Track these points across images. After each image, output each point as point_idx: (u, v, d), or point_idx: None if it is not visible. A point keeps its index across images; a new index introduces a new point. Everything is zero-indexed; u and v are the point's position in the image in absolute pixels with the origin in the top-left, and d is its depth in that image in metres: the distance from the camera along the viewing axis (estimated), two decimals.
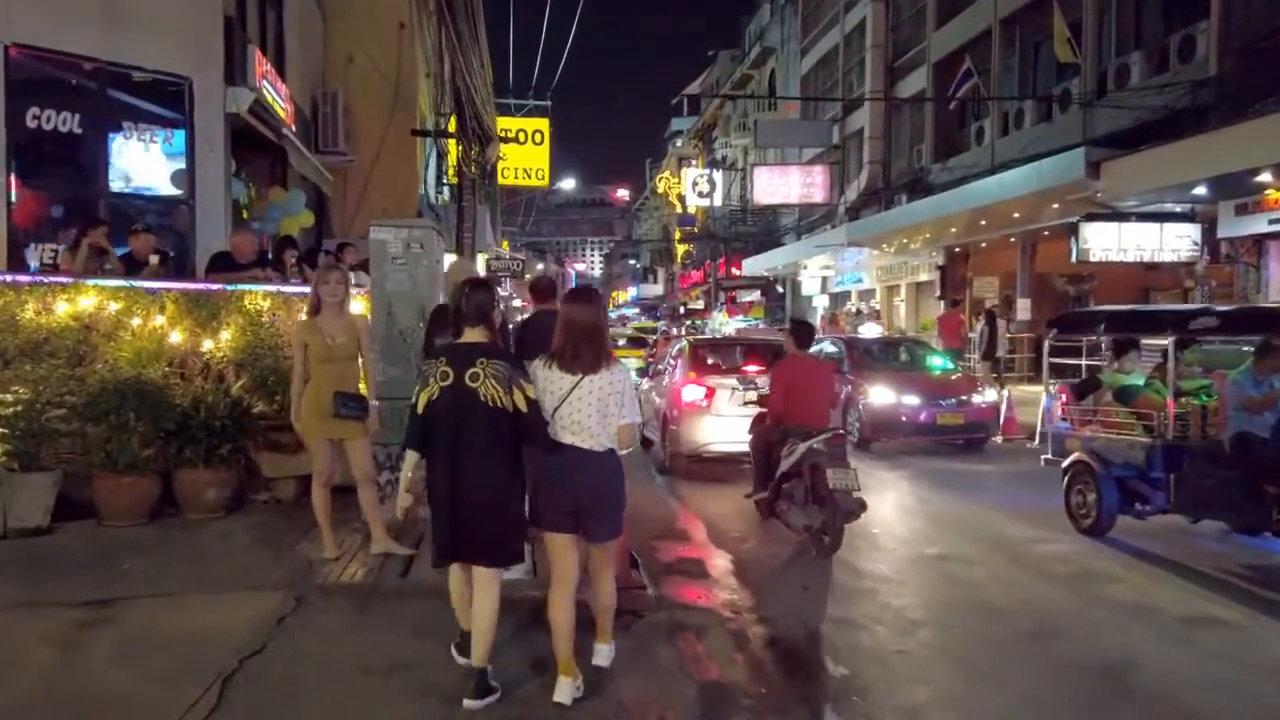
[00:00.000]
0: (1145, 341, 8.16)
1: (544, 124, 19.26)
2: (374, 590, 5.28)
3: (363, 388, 5.95)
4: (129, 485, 6.56)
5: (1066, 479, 7.59)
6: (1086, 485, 7.37)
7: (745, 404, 8.61)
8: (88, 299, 6.99)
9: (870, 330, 18.55)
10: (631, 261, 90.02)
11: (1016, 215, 17.76)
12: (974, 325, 19.83)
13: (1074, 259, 15.59)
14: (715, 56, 53.15)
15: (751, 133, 39.10)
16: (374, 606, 5.00)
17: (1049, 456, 8.07)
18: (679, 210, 52.07)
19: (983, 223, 19.18)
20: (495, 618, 3.87)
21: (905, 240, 23.32)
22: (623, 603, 4.82)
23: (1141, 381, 7.64)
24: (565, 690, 3.89)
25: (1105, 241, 15.51)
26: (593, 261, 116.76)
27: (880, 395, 12.08)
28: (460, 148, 12.14)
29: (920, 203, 21.43)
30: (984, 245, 21.76)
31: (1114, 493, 7.16)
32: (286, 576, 5.43)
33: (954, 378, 13.11)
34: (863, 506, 6.72)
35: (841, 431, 7.37)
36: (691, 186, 43.66)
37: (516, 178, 19.24)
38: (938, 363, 13.72)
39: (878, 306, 28.34)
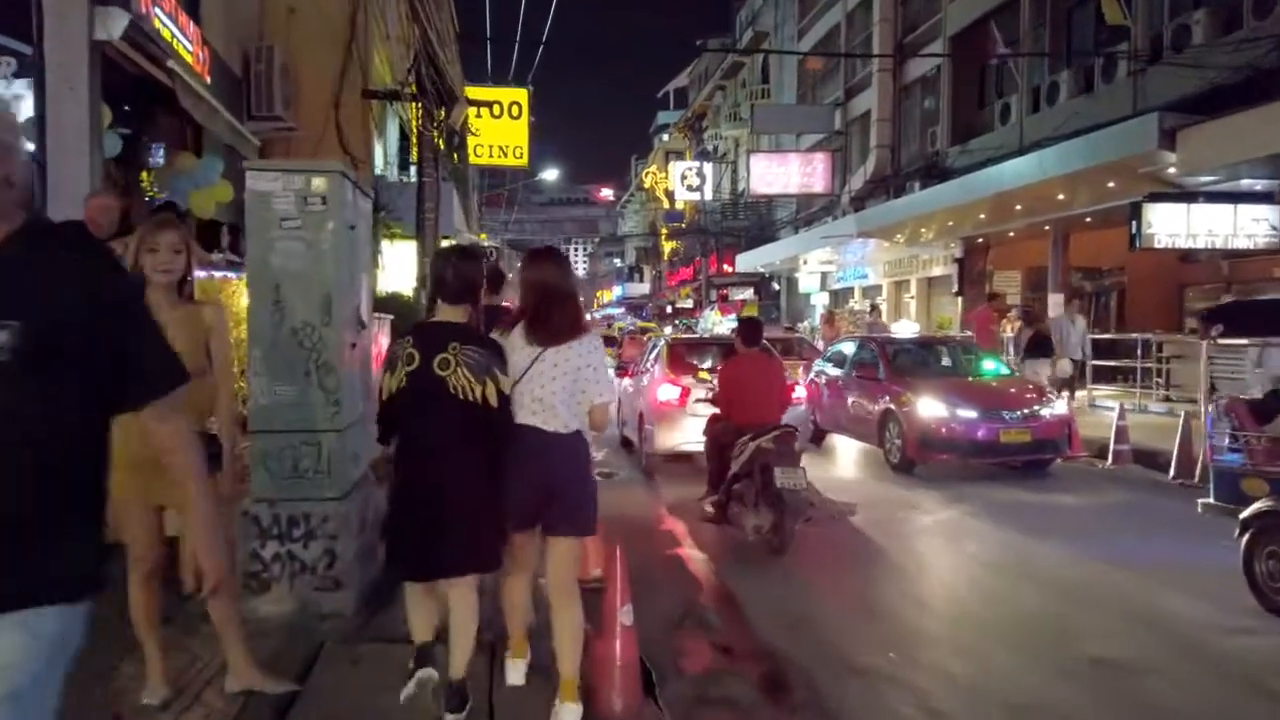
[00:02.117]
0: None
1: (522, 95, 16.81)
2: None
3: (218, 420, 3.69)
4: None
5: (1248, 535, 5.42)
6: None
7: (698, 401, 8.11)
8: None
9: (906, 329, 16.36)
10: (616, 261, 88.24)
11: (1061, 197, 15.64)
12: (1005, 325, 17.79)
13: (1137, 246, 13.42)
14: (705, 45, 50.94)
15: (743, 123, 37.05)
16: None
17: (1210, 500, 5.90)
18: (666, 206, 49.84)
19: (1017, 208, 17.08)
20: (476, 624, 3.45)
21: (922, 230, 21.22)
22: None
23: None
24: (518, 672, 3.69)
25: (1173, 226, 13.33)
26: (576, 261, 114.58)
27: (928, 407, 9.98)
28: (420, 110, 9.90)
29: (941, 187, 19.32)
30: (1011, 235, 19.70)
31: None
32: None
33: (1015, 385, 10.95)
34: (813, 506, 6.47)
35: (792, 429, 7.01)
36: (680, 180, 41.45)
37: (491, 156, 16.83)
38: (990, 367, 11.56)
39: (881, 303, 26.16)
